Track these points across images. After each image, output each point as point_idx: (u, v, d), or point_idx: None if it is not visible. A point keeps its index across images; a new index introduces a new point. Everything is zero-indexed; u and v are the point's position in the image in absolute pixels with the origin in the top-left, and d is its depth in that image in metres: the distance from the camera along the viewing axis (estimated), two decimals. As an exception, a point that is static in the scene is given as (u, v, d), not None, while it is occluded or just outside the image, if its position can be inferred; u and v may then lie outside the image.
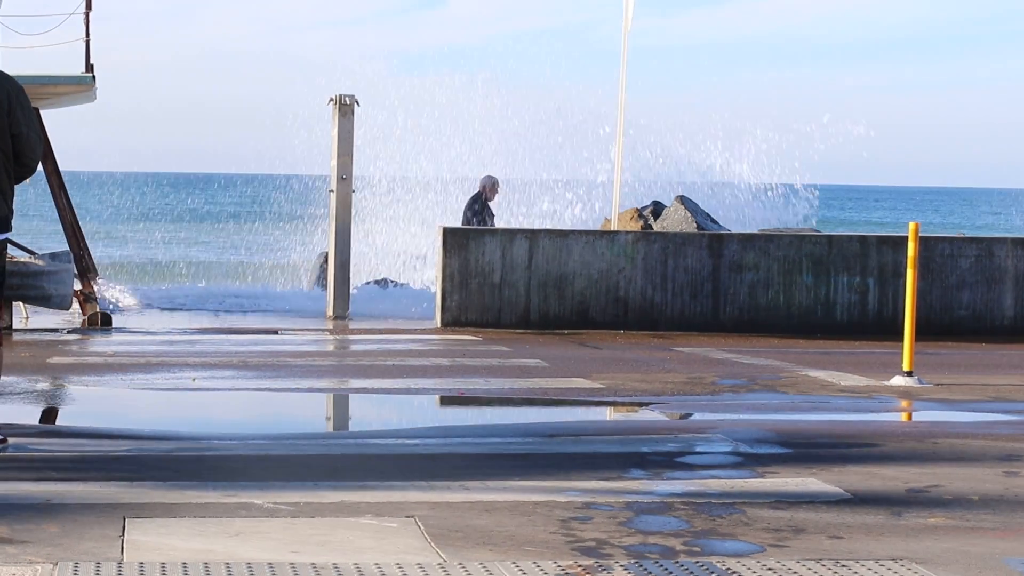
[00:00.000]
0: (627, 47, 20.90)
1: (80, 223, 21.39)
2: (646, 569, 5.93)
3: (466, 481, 7.76)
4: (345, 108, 20.42)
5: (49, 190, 21.04)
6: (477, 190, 21.24)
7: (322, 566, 5.87)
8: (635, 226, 24.18)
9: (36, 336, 17.12)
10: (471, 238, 18.77)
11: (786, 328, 18.67)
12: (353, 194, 20.85)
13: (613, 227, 21.43)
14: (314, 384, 12.78)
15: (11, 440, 8.64)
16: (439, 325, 18.67)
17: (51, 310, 18.90)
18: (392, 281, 24.44)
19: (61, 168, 20.69)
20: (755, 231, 23.62)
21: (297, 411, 11.67)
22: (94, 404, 11.74)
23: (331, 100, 20.56)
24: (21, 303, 18.87)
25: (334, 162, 20.55)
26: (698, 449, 9.05)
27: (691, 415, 11.21)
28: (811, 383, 13.08)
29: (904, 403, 12.01)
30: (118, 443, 9.07)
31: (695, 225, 23.66)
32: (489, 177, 21.30)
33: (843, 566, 6.02)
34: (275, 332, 18.19)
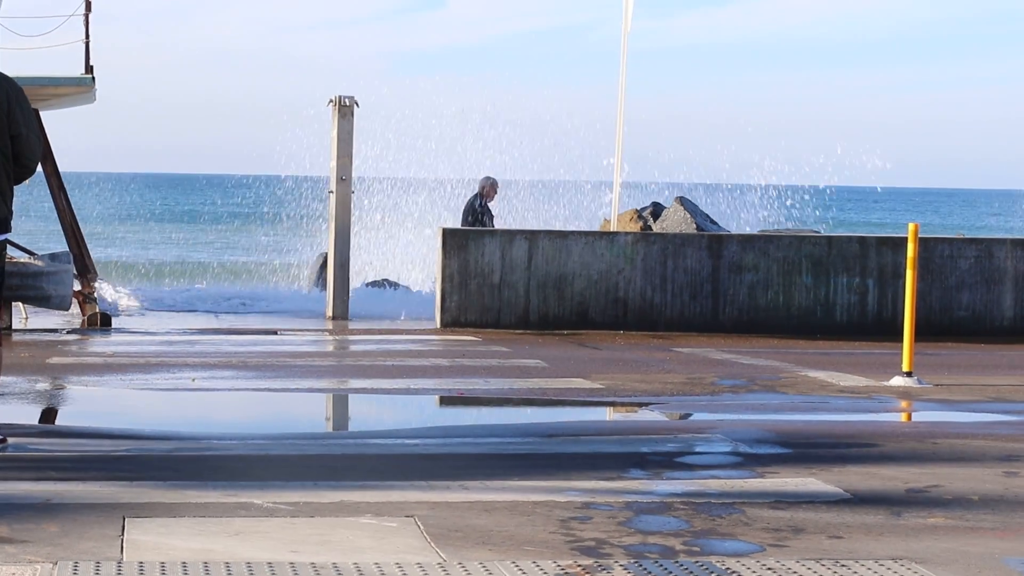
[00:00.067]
0: (627, 48, 20.92)
1: (79, 224, 21.40)
2: (646, 569, 5.93)
3: (466, 481, 7.76)
4: (345, 109, 20.43)
5: (48, 191, 21.05)
6: (476, 191, 21.24)
7: (322, 566, 5.87)
8: (634, 227, 24.19)
9: (36, 336, 17.12)
10: (470, 239, 18.77)
11: (786, 329, 18.67)
12: (352, 195, 20.86)
13: (612, 228, 21.43)
14: (314, 384, 12.78)
15: (11, 440, 8.65)
16: (439, 326, 18.67)
17: (51, 310, 18.91)
18: (391, 282, 24.44)
19: (60, 169, 20.70)
20: (755, 232, 23.62)
21: (297, 411, 11.67)
22: (94, 404, 11.74)
23: (331, 101, 20.57)
24: (21, 303, 18.88)
25: (334, 163, 20.55)
26: (698, 449, 9.05)
27: (691, 415, 11.22)
28: (811, 383, 13.08)
29: (904, 403, 12.01)
30: (118, 443, 9.08)
31: (694, 226, 23.66)
32: (488, 178, 21.30)
33: (843, 566, 6.02)
34: (274, 332, 18.19)
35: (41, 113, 19.71)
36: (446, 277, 18.63)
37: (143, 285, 28.58)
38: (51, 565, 5.82)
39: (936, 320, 18.81)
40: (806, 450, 9.06)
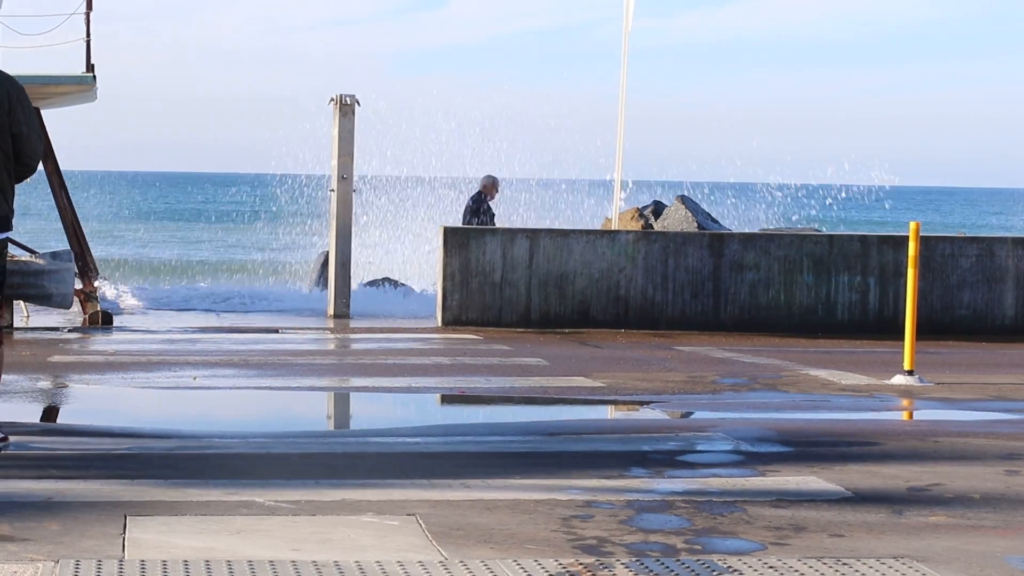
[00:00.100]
0: (627, 47, 20.92)
1: (80, 222, 21.40)
2: (647, 567, 5.93)
3: (467, 479, 7.76)
4: (346, 108, 20.43)
5: (50, 189, 21.06)
6: (478, 189, 21.23)
7: (323, 564, 5.87)
8: (636, 226, 24.18)
9: (37, 335, 17.13)
10: (472, 237, 18.77)
11: (787, 327, 18.67)
12: (354, 193, 20.86)
13: (614, 226, 21.43)
14: (315, 383, 12.78)
15: (12, 438, 8.65)
16: (440, 324, 18.67)
17: (52, 309, 18.90)
18: (393, 280, 24.44)
19: (61, 167, 20.70)
20: (756, 230, 23.63)
21: (298, 409, 11.67)
22: (95, 402, 11.74)
23: (332, 100, 20.57)
24: (22, 302, 18.88)
25: (335, 162, 20.55)
26: (699, 447, 9.05)
27: (692, 414, 11.21)
28: (812, 382, 13.08)
29: (905, 402, 12.01)
30: (119, 441, 9.08)
31: (696, 225, 23.65)
32: (489, 176, 21.29)
33: (844, 564, 6.02)
34: (276, 331, 18.19)
35: (42, 111, 19.71)
36: (447, 276, 18.63)
37: (144, 283, 28.59)
38: (53, 564, 5.82)
39: (937, 319, 18.80)
40: (807, 448, 9.06)
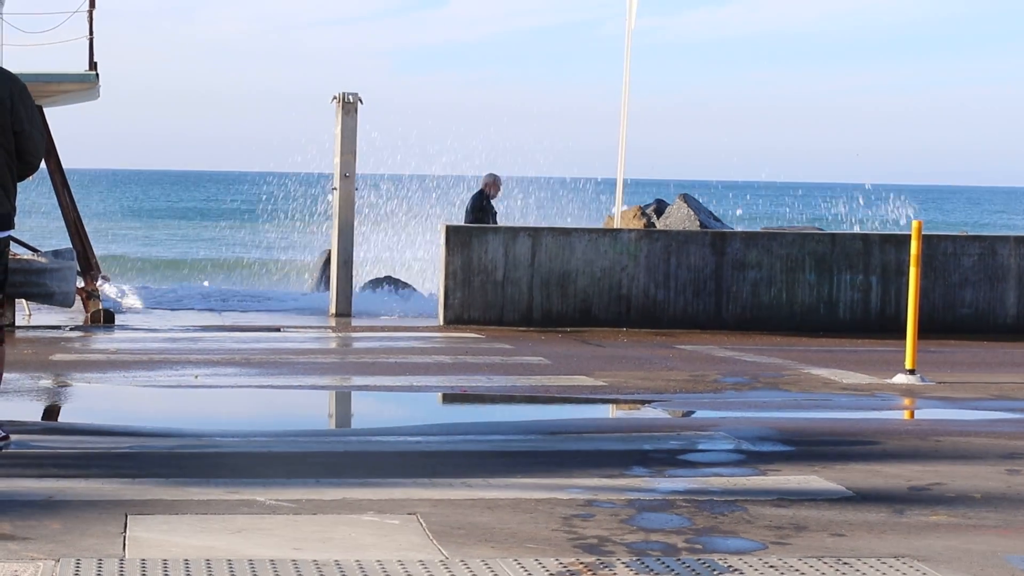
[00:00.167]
0: (630, 45, 20.91)
1: (83, 220, 21.41)
2: (648, 566, 5.93)
3: (468, 478, 7.76)
4: (348, 106, 20.42)
5: (52, 187, 21.06)
6: (480, 187, 21.22)
7: (324, 563, 5.87)
8: (638, 224, 24.18)
9: (39, 333, 17.13)
10: (474, 236, 18.77)
11: (789, 326, 18.67)
12: (356, 192, 20.85)
13: (616, 225, 21.42)
14: (316, 381, 12.78)
15: (13, 437, 8.65)
16: (442, 323, 18.67)
17: (54, 307, 18.91)
18: (395, 279, 24.44)
19: (64, 165, 20.70)
20: (758, 229, 23.62)
21: (299, 408, 11.67)
22: (97, 401, 11.74)
23: (334, 98, 20.57)
24: (24, 300, 18.88)
25: (337, 160, 20.55)
26: (700, 447, 9.05)
27: (693, 413, 11.21)
28: (814, 381, 13.08)
29: (906, 401, 12.00)
30: (120, 440, 9.08)
31: (698, 223, 23.65)
32: (491, 174, 21.28)
33: (845, 564, 6.02)
34: (277, 330, 18.19)
35: (45, 109, 19.72)
36: (449, 274, 18.63)
37: (147, 282, 28.59)
38: (53, 562, 5.82)
39: (939, 318, 18.79)
40: (809, 448, 9.05)
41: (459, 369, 13.68)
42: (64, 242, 21.37)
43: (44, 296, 17.96)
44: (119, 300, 21.84)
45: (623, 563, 5.97)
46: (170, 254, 46.41)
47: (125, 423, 9.98)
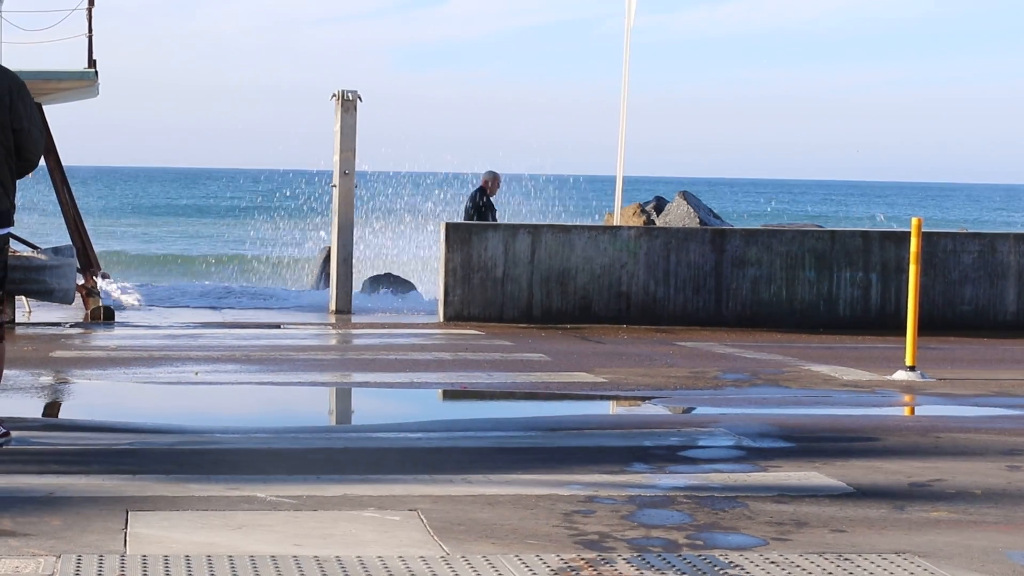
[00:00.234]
0: (630, 43, 20.90)
1: (82, 217, 21.41)
2: (649, 562, 5.93)
3: (469, 475, 7.76)
4: (348, 103, 20.41)
5: (51, 185, 21.06)
6: (479, 185, 21.22)
7: (325, 559, 5.87)
8: (637, 221, 24.20)
9: (39, 330, 17.13)
10: (474, 233, 18.77)
11: (789, 323, 18.67)
12: (356, 189, 20.85)
13: (616, 222, 21.42)
14: (317, 378, 12.78)
15: (14, 433, 8.65)
16: (442, 319, 18.67)
17: (54, 304, 18.91)
18: (394, 276, 24.45)
19: (63, 163, 20.70)
20: (758, 226, 23.62)
21: (300, 405, 11.67)
22: (97, 398, 11.74)
23: (334, 95, 20.56)
24: (24, 297, 18.88)
25: (337, 157, 20.55)
26: (701, 443, 9.05)
27: (694, 409, 11.21)
28: (814, 377, 13.08)
29: (907, 397, 12.01)
30: (121, 436, 9.08)
31: (698, 220, 23.67)
32: (491, 172, 21.28)
33: (846, 559, 6.02)
34: (278, 326, 18.19)
35: (44, 107, 19.72)
36: (449, 271, 18.63)
37: (147, 279, 28.59)
38: (54, 559, 5.82)
39: (939, 315, 18.80)
40: (809, 444, 9.06)
41: (459, 366, 13.68)
42: (64, 239, 21.38)
43: (44, 293, 17.96)
44: (119, 297, 21.84)
45: (624, 559, 5.97)
46: (170, 251, 46.41)
47: (125, 420, 9.98)
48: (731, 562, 5.95)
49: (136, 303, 21.92)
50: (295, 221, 34.18)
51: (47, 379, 12.31)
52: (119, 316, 19.05)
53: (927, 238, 18.16)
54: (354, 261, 20.95)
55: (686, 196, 24.82)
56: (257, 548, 6.06)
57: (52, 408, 11.06)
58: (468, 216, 20.57)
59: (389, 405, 11.74)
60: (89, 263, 20.55)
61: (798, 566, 5.90)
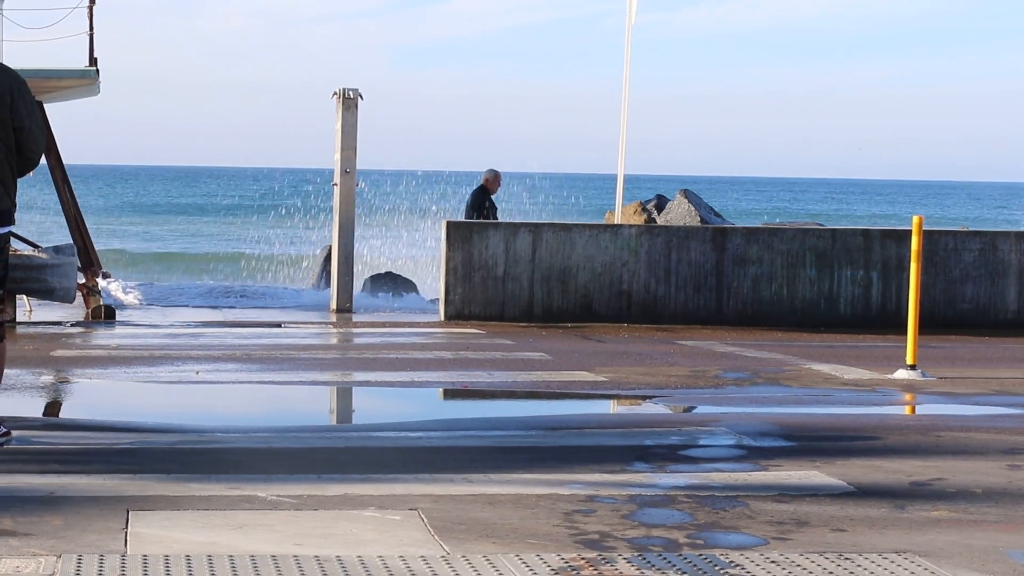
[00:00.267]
0: (631, 41, 20.90)
1: (83, 216, 21.41)
2: (649, 562, 5.93)
3: (469, 474, 7.76)
4: (349, 102, 20.41)
5: (52, 183, 21.06)
6: (480, 183, 21.22)
7: (325, 559, 5.87)
8: (638, 220, 24.19)
9: (40, 329, 17.13)
10: (474, 231, 18.76)
11: (789, 321, 18.67)
12: (357, 188, 20.85)
13: (617, 220, 21.42)
14: (317, 377, 12.78)
15: (15, 433, 8.65)
16: (442, 318, 18.67)
17: (55, 303, 18.91)
18: (395, 275, 24.45)
19: (64, 161, 20.70)
20: (759, 225, 23.62)
21: (301, 404, 11.67)
22: (98, 397, 11.74)
23: (335, 94, 20.56)
24: (25, 296, 18.88)
25: (338, 156, 20.54)
26: (701, 442, 9.05)
27: (694, 408, 11.21)
28: (814, 376, 13.08)
29: (907, 396, 12.00)
30: (121, 436, 9.08)
31: (698, 219, 23.66)
32: (491, 170, 21.27)
33: (846, 559, 6.02)
34: (278, 325, 18.19)
35: (45, 105, 19.72)
36: (450, 270, 18.63)
37: (147, 278, 28.59)
38: (55, 558, 5.82)
39: (940, 313, 18.80)
40: (810, 443, 9.05)
41: (460, 365, 13.68)
42: (65, 238, 21.39)
43: (45, 292, 17.96)
44: (120, 296, 21.85)
45: (625, 559, 5.97)
46: (171, 250, 46.40)
47: (126, 419, 9.98)
48: (732, 561, 5.95)
49: (137, 302, 21.93)
50: (296, 219, 34.18)
51: (48, 378, 12.31)
52: (120, 315, 19.05)
53: (928, 236, 18.16)
54: (355, 260, 20.96)
55: (687, 194, 24.81)
56: (258, 548, 6.06)
57: (53, 407, 11.06)
58: (469, 214, 20.58)
59: (390, 404, 11.74)
60: (90, 262, 20.55)
61: (799, 565, 5.90)
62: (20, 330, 16.76)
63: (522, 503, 7.02)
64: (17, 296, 18.13)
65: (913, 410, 11.49)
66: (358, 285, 22.01)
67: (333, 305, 20.45)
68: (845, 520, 6.78)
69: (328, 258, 22.75)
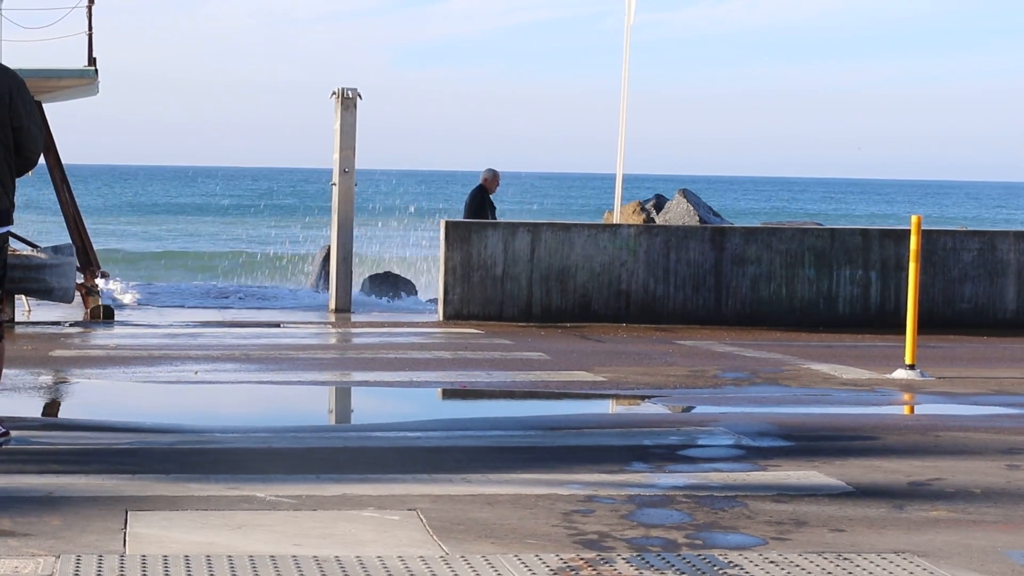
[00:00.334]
0: (629, 41, 20.90)
1: (82, 216, 21.40)
2: (648, 562, 5.93)
3: (468, 474, 7.76)
4: (347, 101, 20.40)
5: (51, 183, 21.05)
6: (479, 183, 21.21)
7: (324, 559, 5.87)
8: (637, 219, 24.19)
9: (38, 329, 17.12)
10: (473, 231, 18.76)
11: (788, 321, 18.67)
12: (356, 186, 20.84)
13: (615, 220, 21.42)
14: (316, 377, 12.78)
15: (13, 433, 8.65)
16: (441, 318, 18.67)
17: (53, 303, 18.91)
18: (394, 275, 24.44)
19: (63, 161, 20.69)
20: (758, 224, 23.62)
21: (299, 404, 11.67)
22: (96, 397, 11.74)
23: (334, 93, 20.55)
24: (24, 296, 18.88)
25: (336, 155, 20.53)
26: (700, 442, 9.05)
27: (693, 408, 11.21)
28: (813, 376, 13.08)
29: (906, 396, 12.00)
30: (120, 436, 9.08)
31: (697, 218, 23.66)
32: (490, 170, 21.27)
33: (845, 559, 6.02)
34: (277, 325, 18.19)
35: (44, 105, 19.71)
36: (449, 270, 18.63)
37: (146, 278, 28.58)
38: (54, 559, 5.82)
39: (939, 313, 18.80)
40: (809, 443, 9.06)
41: (459, 365, 13.68)
42: (63, 238, 21.38)
43: (43, 292, 17.96)
44: (119, 296, 21.84)
45: (623, 559, 5.97)
46: (170, 249, 46.40)
47: (125, 419, 9.98)
48: (730, 562, 5.95)
49: (136, 302, 21.91)
50: (295, 220, 34.19)
51: (47, 378, 12.31)
52: (119, 315, 19.05)
53: (927, 236, 18.16)
54: (354, 259, 20.95)
55: (686, 194, 24.81)
56: (256, 548, 6.06)
57: (52, 407, 11.06)
58: (468, 214, 20.57)
59: (388, 404, 11.74)
60: (89, 262, 20.54)
61: (797, 565, 5.90)
62: (19, 330, 16.76)
63: (521, 503, 7.02)
64: (16, 296, 18.14)
65: (912, 410, 11.49)
66: (357, 285, 22.01)
67: (332, 305, 20.45)
68: (844, 520, 6.78)
69: (327, 258, 22.74)
